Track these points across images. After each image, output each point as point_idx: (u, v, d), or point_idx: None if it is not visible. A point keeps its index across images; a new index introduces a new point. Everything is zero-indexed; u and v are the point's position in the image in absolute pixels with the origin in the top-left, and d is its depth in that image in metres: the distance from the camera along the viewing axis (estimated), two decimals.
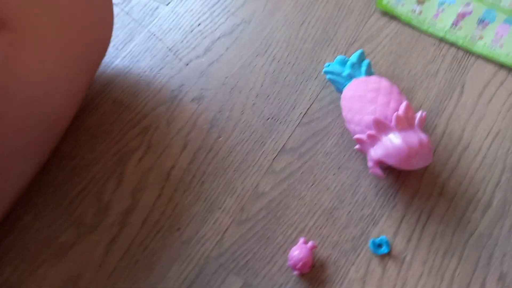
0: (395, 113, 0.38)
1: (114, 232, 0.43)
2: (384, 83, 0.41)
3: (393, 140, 0.38)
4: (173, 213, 0.44)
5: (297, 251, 0.39)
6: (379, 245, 0.41)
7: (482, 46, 0.50)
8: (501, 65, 0.49)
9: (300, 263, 0.38)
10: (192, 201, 0.44)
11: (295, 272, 0.39)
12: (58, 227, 0.44)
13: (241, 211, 0.43)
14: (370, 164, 0.40)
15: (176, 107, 0.50)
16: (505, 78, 0.48)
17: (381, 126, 0.38)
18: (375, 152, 0.39)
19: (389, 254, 0.40)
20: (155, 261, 0.42)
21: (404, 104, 0.39)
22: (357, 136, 0.40)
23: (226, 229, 0.43)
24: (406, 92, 0.48)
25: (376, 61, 0.50)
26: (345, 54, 0.51)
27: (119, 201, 0.45)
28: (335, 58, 0.47)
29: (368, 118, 0.39)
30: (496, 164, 0.43)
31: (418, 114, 0.39)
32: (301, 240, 0.40)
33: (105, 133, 0.49)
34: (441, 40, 0.51)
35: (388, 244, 0.40)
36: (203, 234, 0.43)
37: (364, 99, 0.40)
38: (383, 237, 0.41)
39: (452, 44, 0.51)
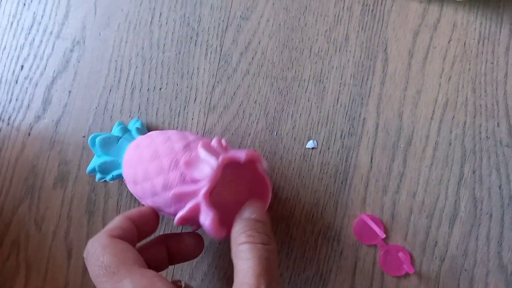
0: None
1: None
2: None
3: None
4: None
5: None
6: None
7: None
8: None
9: None
10: None
11: None
12: None
13: None
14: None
15: (39, 200, 0.38)
16: (439, 15, 0.33)
17: None
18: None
19: None
20: None
21: None
22: None
23: None
24: (314, 85, 0.34)
25: (264, 46, 0.36)
26: (228, 48, 0.36)
27: None
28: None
29: None
30: (452, 151, 0.32)
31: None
32: None
33: None
34: None
35: None
36: None
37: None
38: None
39: None
